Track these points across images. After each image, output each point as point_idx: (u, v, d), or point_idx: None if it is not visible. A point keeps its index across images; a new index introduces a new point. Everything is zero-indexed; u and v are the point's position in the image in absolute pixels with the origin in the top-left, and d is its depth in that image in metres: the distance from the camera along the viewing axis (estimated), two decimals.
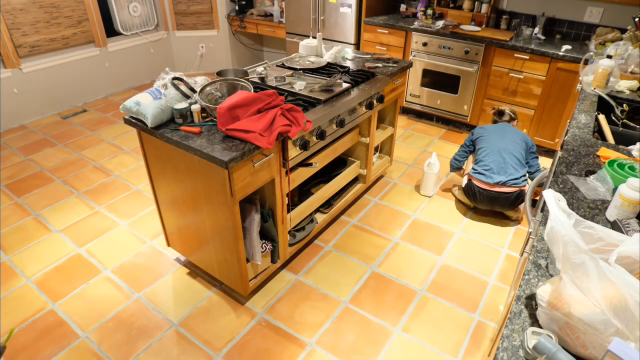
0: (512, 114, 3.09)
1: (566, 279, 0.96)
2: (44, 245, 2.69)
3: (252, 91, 2.06)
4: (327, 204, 2.76)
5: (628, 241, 0.99)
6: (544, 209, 1.39)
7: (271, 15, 5.04)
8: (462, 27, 3.84)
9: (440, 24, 3.88)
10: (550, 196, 1.04)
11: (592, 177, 1.60)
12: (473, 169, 2.85)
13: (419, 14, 4.12)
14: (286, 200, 2.24)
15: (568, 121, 2.48)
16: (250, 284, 2.21)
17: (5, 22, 3.82)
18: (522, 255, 1.82)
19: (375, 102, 2.65)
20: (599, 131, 2.15)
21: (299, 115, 1.99)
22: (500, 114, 3.11)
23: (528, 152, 2.86)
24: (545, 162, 3.66)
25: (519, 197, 2.77)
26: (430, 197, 3.15)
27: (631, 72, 2.70)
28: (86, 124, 4.22)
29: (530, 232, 1.57)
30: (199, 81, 2.11)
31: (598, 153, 1.80)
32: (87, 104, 4.68)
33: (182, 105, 1.96)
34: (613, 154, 1.78)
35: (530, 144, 2.88)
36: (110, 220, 2.91)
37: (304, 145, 2.14)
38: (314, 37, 2.96)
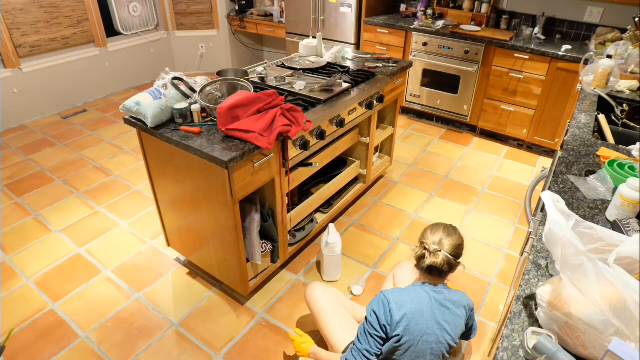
0: (453, 260, 1.49)
1: (565, 279, 0.96)
2: (44, 245, 2.69)
3: (252, 91, 2.06)
4: (327, 204, 2.76)
5: (627, 241, 0.99)
6: (544, 209, 1.39)
7: (271, 15, 5.04)
8: (462, 27, 3.84)
9: (440, 24, 3.88)
10: (548, 198, 1.04)
11: (592, 177, 1.60)
12: None
13: (419, 14, 4.12)
14: (286, 200, 2.24)
15: (568, 121, 2.48)
16: (250, 284, 2.21)
17: (5, 22, 3.82)
18: (522, 255, 1.82)
19: (375, 102, 2.65)
20: (599, 131, 2.14)
21: (299, 115, 1.99)
22: (432, 270, 1.48)
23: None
24: (545, 162, 3.66)
25: None
26: (336, 281, 2.42)
27: (631, 72, 2.70)
28: (86, 124, 4.23)
29: (530, 232, 1.57)
30: (199, 81, 2.11)
31: (598, 153, 1.80)
32: (87, 104, 4.68)
33: (182, 105, 1.96)
34: (613, 154, 1.78)
35: (471, 318, 1.64)
36: (110, 220, 2.91)
37: (304, 145, 2.14)
38: (314, 37, 2.96)
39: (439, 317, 1.46)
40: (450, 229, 1.54)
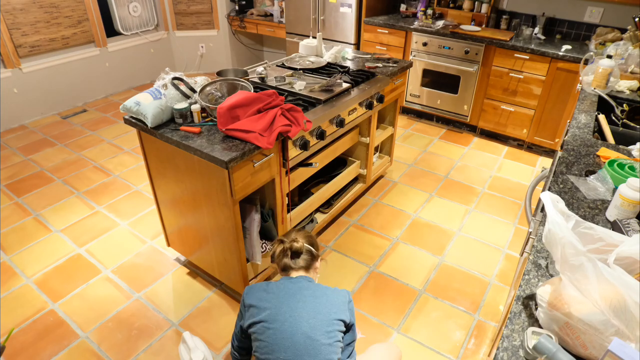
0: (312, 249, 1.58)
1: (565, 280, 0.96)
2: (44, 245, 2.69)
3: (252, 91, 2.06)
4: (327, 204, 2.76)
5: (627, 241, 0.99)
6: (544, 209, 1.39)
7: (271, 15, 5.04)
8: (462, 27, 3.84)
9: (440, 24, 3.88)
10: (548, 199, 1.04)
11: (592, 177, 1.60)
12: None
13: (419, 14, 4.12)
14: (286, 200, 2.24)
15: (568, 121, 2.48)
16: (250, 284, 2.21)
17: (5, 22, 3.82)
18: (522, 255, 1.82)
19: (375, 102, 2.65)
20: (599, 131, 2.15)
21: (299, 115, 1.99)
22: (295, 254, 1.55)
23: (347, 330, 1.51)
24: (545, 162, 3.66)
25: None
26: None
27: (631, 72, 2.70)
28: (86, 124, 4.23)
29: (530, 232, 1.57)
30: (199, 81, 2.11)
31: (598, 153, 1.80)
32: (87, 104, 4.68)
33: (182, 105, 1.96)
34: (613, 154, 1.78)
35: (348, 315, 1.48)
36: (110, 220, 2.91)
37: (304, 145, 2.14)
38: (314, 37, 2.96)
39: (295, 306, 1.43)
40: (299, 230, 1.68)
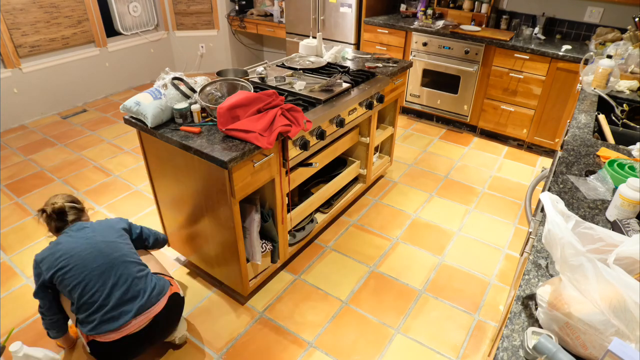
0: (75, 205, 1.84)
1: (565, 280, 0.96)
2: (44, 245, 2.68)
3: (252, 91, 2.06)
4: (327, 204, 2.76)
5: (627, 242, 0.99)
6: (544, 209, 1.39)
7: (271, 15, 5.04)
8: (462, 27, 3.84)
9: (440, 24, 3.88)
10: (547, 199, 1.04)
11: (592, 177, 1.60)
12: (80, 322, 1.68)
13: (419, 14, 4.12)
14: (286, 200, 2.24)
15: (568, 121, 2.48)
16: (250, 284, 2.21)
17: (5, 22, 3.82)
18: (522, 255, 1.82)
19: (375, 102, 2.65)
20: (599, 131, 2.15)
21: (299, 115, 1.99)
22: (60, 214, 1.79)
23: (135, 237, 1.96)
24: (545, 162, 3.66)
25: (177, 306, 1.86)
26: None
27: (631, 72, 2.70)
28: (86, 124, 4.23)
29: (530, 232, 1.57)
30: (199, 81, 2.11)
31: (598, 153, 1.81)
32: (87, 104, 4.68)
33: (182, 105, 1.96)
34: (613, 154, 1.78)
35: (127, 225, 1.92)
36: None
37: (304, 145, 2.14)
38: (314, 37, 2.96)
39: (82, 236, 1.72)
40: (55, 195, 1.87)
